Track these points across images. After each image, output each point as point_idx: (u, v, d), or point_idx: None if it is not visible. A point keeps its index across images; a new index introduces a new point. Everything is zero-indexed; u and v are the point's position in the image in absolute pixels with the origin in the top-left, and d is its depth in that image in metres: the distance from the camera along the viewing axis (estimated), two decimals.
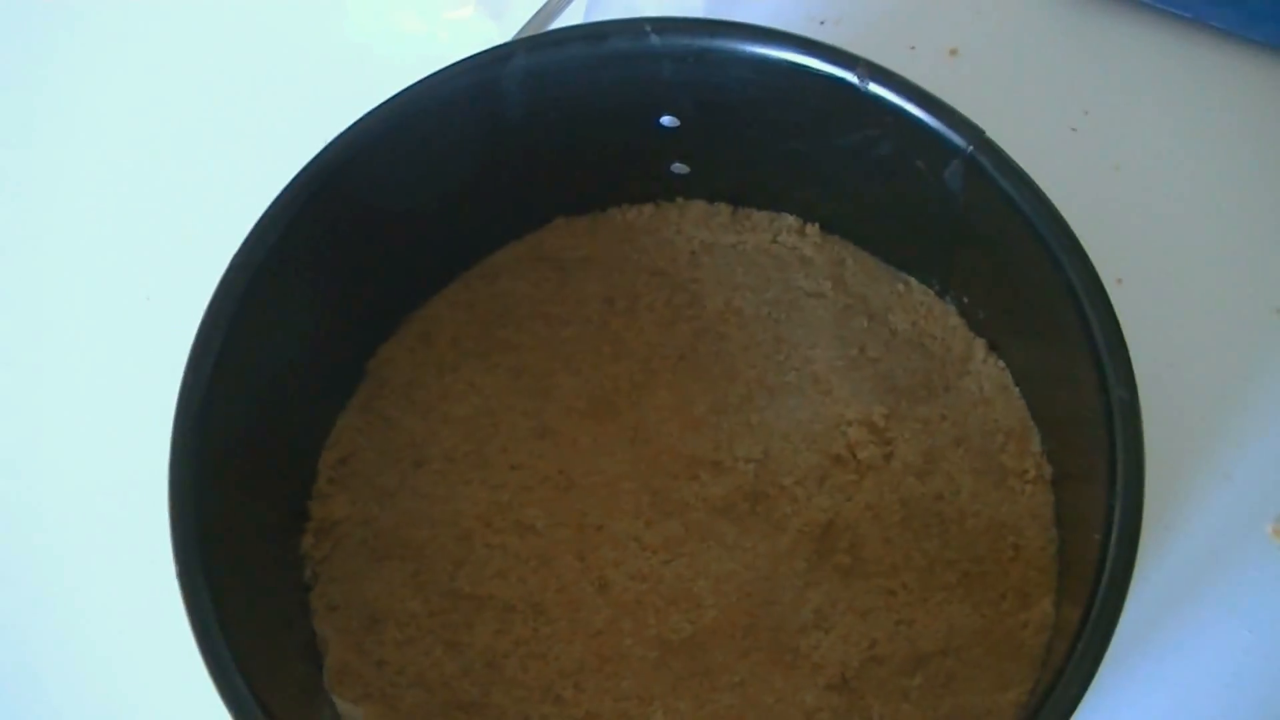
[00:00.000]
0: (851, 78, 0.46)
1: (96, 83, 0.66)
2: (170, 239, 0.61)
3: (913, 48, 0.61)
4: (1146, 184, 0.59)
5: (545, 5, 0.61)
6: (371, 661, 0.50)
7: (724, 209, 0.57)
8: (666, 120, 0.51)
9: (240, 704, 0.42)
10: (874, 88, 0.46)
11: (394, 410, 0.54)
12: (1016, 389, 0.52)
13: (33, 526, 0.58)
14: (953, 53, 0.62)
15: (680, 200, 0.57)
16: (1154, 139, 0.60)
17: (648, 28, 0.47)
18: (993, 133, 0.46)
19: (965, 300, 0.53)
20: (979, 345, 0.53)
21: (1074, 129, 0.60)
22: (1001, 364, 0.53)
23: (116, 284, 0.61)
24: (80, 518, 0.57)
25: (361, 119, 0.48)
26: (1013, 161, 0.45)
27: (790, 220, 0.56)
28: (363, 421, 0.54)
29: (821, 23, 0.62)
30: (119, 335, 0.60)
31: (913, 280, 0.55)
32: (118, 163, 0.64)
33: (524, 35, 0.60)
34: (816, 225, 0.56)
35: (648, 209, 0.57)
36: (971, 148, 0.45)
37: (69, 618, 0.56)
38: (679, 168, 0.55)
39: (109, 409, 0.59)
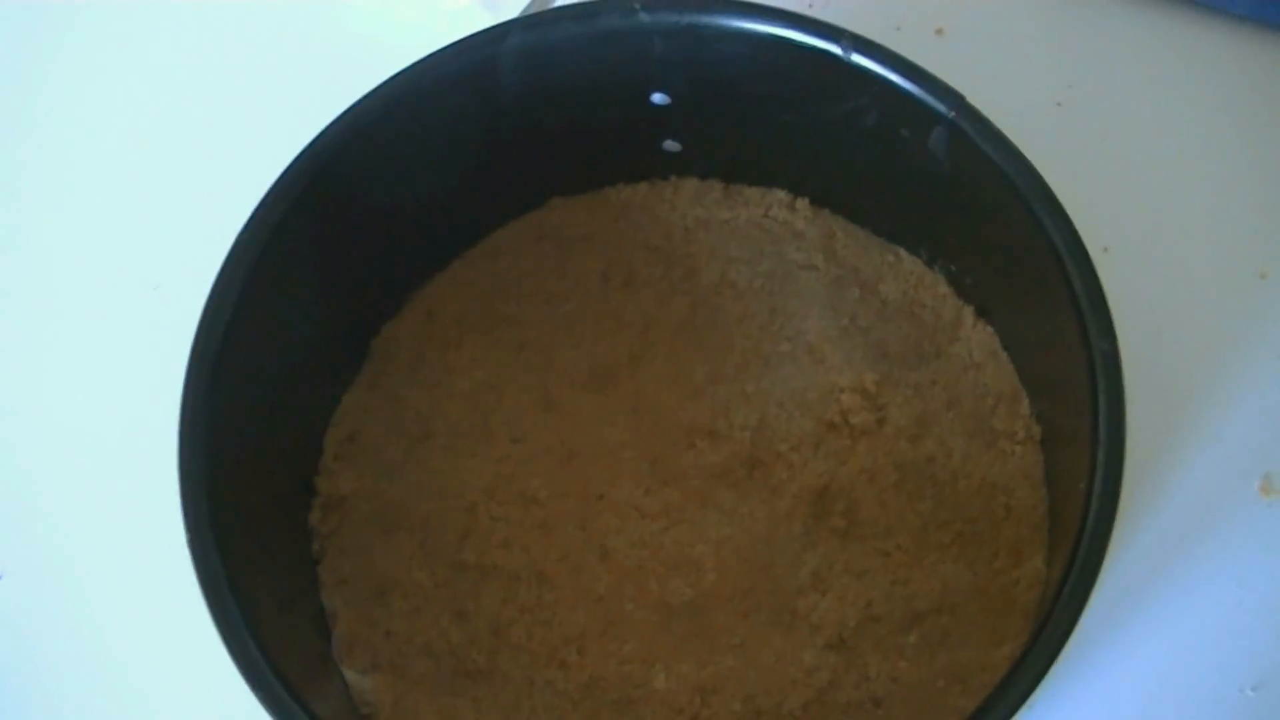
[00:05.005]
0: (836, 49, 0.47)
1: (102, 73, 0.67)
2: (177, 228, 0.62)
3: (899, 28, 0.62)
4: (1131, 155, 0.60)
5: None
6: (380, 632, 0.51)
7: (716, 186, 0.58)
8: (658, 98, 0.53)
9: (255, 673, 0.42)
10: (858, 58, 0.47)
11: (399, 386, 0.55)
12: (1005, 353, 0.54)
13: (47, 512, 0.59)
14: (939, 32, 0.63)
15: (674, 179, 0.58)
16: (1137, 111, 0.61)
17: (637, 5, 0.49)
18: (979, 108, 0.47)
19: (953, 268, 0.55)
20: (968, 312, 0.54)
21: (1059, 104, 0.61)
22: (990, 329, 0.54)
23: (124, 274, 0.62)
24: (93, 503, 0.58)
25: (361, 100, 0.49)
26: (993, 125, 0.46)
27: (781, 195, 0.57)
28: (369, 398, 0.55)
29: (810, 4, 0.63)
30: (128, 324, 0.61)
31: (902, 250, 0.56)
32: (123, 153, 0.65)
33: None
34: (807, 199, 0.57)
35: (642, 187, 0.58)
36: (953, 113, 0.46)
37: (83, 600, 0.57)
38: (671, 145, 0.56)
39: (120, 395, 0.59)
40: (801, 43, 0.48)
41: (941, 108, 0.46)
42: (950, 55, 0.61)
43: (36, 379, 0.61)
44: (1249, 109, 0.60)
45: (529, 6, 0.63)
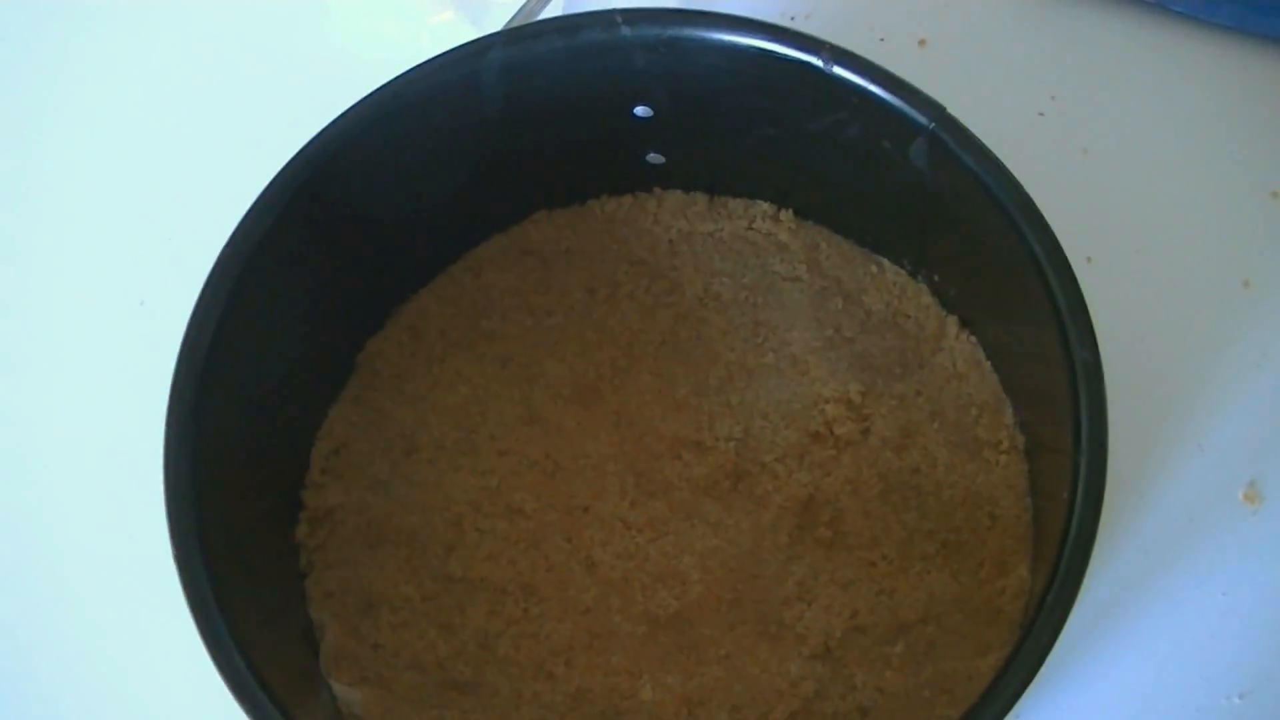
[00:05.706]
0: (817, 61, 0.47)
1: (85, 89, 0.67)
2: (161, 243, 0.62)
3: (882, 39, 0.63)
4: (1114, 165, 0.60)
5: (523, 8, 0.63)
6: (367, 645, 0.51)
7: (700, 198, 0.58)
8: (641, 111, 0.53)
9: (243, 686, 0.43)
10: (838, 70, 0.47)
11: (384, 401, 0.55)
12: (988, 363, 0.54)
13: (35, 529, 0.59)
14: (922, 43, 0.63)
15: (658, 191, 0.58)
16: (1120, 121, 0.61)
17: (619, 19, 0.49)
18: (962, 118, 0.47)
19: (936, 279, 0.55)
20: (951, 322, 0.55)
21: (1041, 114, 0.61)
22: (973, 339, 0.54)
23: (110, 289, 0.62)
24: (79, 517, 0.58)
25: (343, 114, 0.49)
26: (973, 136, 0.46)
27: (765, 207, 0.57)
28: (354, 413, 0.55)
29: (792, 18, 0.63)
30: (114, 339, 0.61)
31: (885, 262, 0.56)
32: (106, 168, 0.65)
33: None
34: (791, 211, 0.57)
35: (627, 200, 0.58)
36: (934, 124, 0.46)
37: (71, 617, 0.57)
38: (655, 158, 0.56)
39: (106, 410, 0.60)
40: (783, 55, 0.48)
41: (922, 119, 0.46)
42: (933, 66, 0.62)
43: (22, 394, 0.61)
44: (1231, 118, 0.61)
45: (512, 20, 0.64)
